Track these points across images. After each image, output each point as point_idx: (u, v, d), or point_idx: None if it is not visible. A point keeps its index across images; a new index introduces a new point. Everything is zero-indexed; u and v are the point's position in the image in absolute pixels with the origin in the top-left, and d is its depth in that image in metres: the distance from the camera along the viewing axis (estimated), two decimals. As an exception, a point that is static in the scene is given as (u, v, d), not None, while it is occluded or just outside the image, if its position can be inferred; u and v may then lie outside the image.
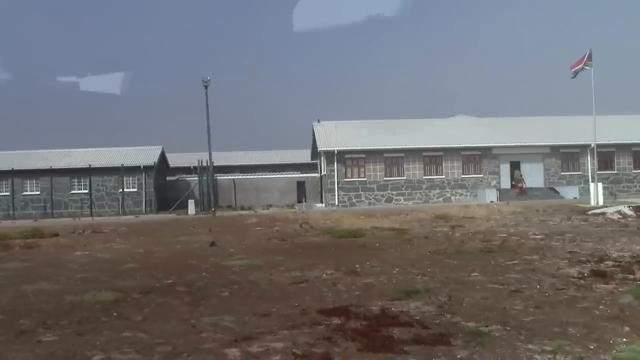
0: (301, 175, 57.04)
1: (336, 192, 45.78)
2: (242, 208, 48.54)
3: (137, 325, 8.06)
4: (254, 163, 66.07)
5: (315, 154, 53.16)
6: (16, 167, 49.28)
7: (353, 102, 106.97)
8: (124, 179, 49.53)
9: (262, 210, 45.22)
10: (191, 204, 44.69)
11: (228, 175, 56.12)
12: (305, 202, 50.17)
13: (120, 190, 49.49)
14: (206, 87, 40.53)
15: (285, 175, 57.67)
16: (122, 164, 48.82)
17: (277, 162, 68.24)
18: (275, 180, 55.89)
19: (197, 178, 53.77)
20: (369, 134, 47.82)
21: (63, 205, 49.54)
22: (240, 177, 57.37)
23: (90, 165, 48.77)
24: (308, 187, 54.01)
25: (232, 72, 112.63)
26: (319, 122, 51.28)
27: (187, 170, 59.52)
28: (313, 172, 56.44)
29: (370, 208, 41.03)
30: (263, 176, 58.32)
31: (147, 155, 51.55)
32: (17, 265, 15.70)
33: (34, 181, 49.98)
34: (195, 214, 42.93)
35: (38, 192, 49.89)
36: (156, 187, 51.01)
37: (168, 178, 56.33)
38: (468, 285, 10.18)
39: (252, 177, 57.98)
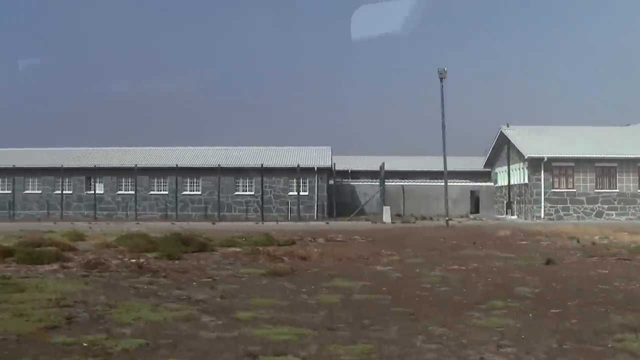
0: (475, 183, 51.10)
1: (542, 203, 40.22)
2: (414, 217, 41.11)
3: None
4: (417, 169, 58.29)
5: (491, 161, 49.68)
6: (179, 164, 44.35)
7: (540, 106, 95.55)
8: (295, 181, 43.37)
9: (444, 220, 38.61)
10: (387, 210, 37.75)
11: (397, 181, 48.99)
12: (479, 212, 46.15)
13: (293, 193, 43.45)
14: (442, 79, 33.23)
15: (458, 183, 51.05)
16: (299, 165, 42.62)
17: (437, 169, 60.28)
18: (448, 188, 48.96)
19: (362, 182, 49.30)
20: (574, 140, 42.04)
21: (226, 208, 43.96)
22: (410, 183, 50.24)
23: (262, 165, 42.84)
24: (482, 197, 49.01)
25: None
26: (508, 126, 45.66)
27: (344, 173, 53.02)
28: (486, 181, 51.04)
29: (581, 222, 34.56)
30: (434, 183, 51.48)
31: (320, 156, 45.28)
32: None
33: (195, 180, 44.88)
34: (392, 222, 36.04)
35: (199, 192, 44.68)
36: (328, 191, 44.47)
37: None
38: None
39: (423, 183, 51.05)
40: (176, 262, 15.08)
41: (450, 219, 40.08)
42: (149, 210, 44.66)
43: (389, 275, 13.37)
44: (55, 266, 13.91)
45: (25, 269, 13.30)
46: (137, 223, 35.72)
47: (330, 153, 46.65)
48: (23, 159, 46.02)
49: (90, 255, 16.44)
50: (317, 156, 45.48)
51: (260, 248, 18.23)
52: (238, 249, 18.54)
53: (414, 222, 37.20)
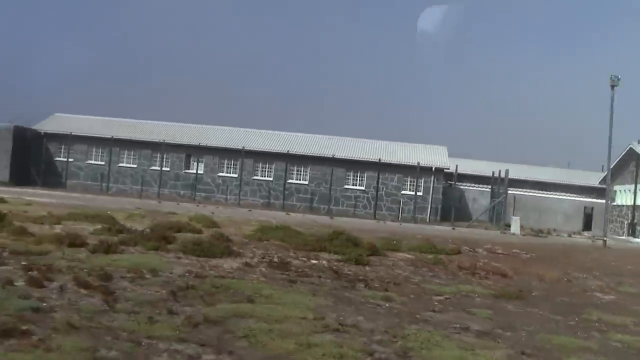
0: (590, 200, 47.05)
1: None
2: (541, 231, 37.21)
3: None
4: (527, 178, 54.20)
5: (611, 178, 42.60)
6: (289, 150, 42.41)
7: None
8: (411, 180, 40.63)
9: (567, 235, 35.54)
10: (516, 221, 34.48)
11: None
12: (590, 230, 42.59)
13: (406, 192, 40.82)
14: (613, 87, 29.51)
15: (572, 198, 47.09)
16: (419, 163, 39.83)
17: (547, 180, 56.06)
18: (560, 202, 45.44)
19: (472, 187, 46.94)
20: None
21: (333, 201, 41.71)
22: (523, 193, 46.59)
23: (380, 160, 40.31)
24: (595, 215, 44.51)
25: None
26: (639, 142, 42.28)
27: (450, 176, 49.56)
28: (600, 198, 45.59)
29: None
30: (549, 195, 47.78)
31: (436, 156, 42.32)
32: None
33: (303, 169, 42.87)
34: (521, 234, 32.71)
35: (306, 182, 42.65)
36: (443, 194, 41.48)
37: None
38: None
39: (536, 194, 47.41)
40: (366, 268, 12.76)
41: (570, 235, 36.94)
42: (250, 195, 43.05)
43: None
44: (235, 263, 11.87)
45: (199, 263, 11.30)
46: (250, 210, 34.00)
47: (446, 153, 43.65)
48: (120, 130, 45.19)
49: (254, 249, 14.42)
50: (433, 155, 42.61)
51: (430, 256, 15.86)
52: (408, 255, 16.20)
53: (545, 236, 33.68)
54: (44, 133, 44.96)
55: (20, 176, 43.23)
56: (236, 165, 43.37)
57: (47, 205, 22.89)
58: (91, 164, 44.72)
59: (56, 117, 48.12)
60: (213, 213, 26.34)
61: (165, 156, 43.88)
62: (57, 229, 14.60)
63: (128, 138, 44.33)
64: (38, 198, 27.85)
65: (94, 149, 44.90)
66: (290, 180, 42.88)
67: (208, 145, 43.74)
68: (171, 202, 35.07)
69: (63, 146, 45.20)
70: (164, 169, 44.00)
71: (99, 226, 15.48)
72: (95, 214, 18.46)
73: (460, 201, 44.39)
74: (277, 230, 18.52)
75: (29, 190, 37.08)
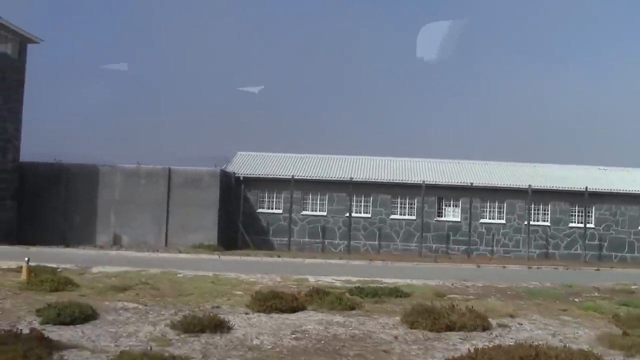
0: None
1: None
2: None
3: None
4: None
5: None
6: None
7: None
8: None
9: None
10: None
11: None
12: None
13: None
14: None
15: None
16: None
17: None
18: None
19: None
20: None
21: (622, 247, 34.01)
22: None
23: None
24: None
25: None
26: None
27: None
28: None
29: None
30: None
31: None
32: None
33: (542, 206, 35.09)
34: None
35: (546, 223, 34.92)
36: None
37: None
38: None
39: None
40: None
41: None
42: (521, 246, 34.69)
43: None
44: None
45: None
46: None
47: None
48: (335, 170, 36.09)
49: None
50: None
51: None
52: None
53: None
54: (243, 177, 34.96)
55: (225, 235, 33.05)
56: (501, 206, 34.98)
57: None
58: (307, 215, 34.97)
59: (241, 156, 38.06)
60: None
61: (415, 201, 34.97)
62: None
63: (362, 180, 35.01)
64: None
65: (310, 196, 35.24)
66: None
67: (463, 183, 35.07)
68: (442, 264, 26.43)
69: (266, 193, 35.32)
70: (409, 217, 34.95)
71: None
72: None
73: None
74: None
75: (249, 258, 27.65)
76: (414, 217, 34.87)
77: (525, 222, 34.46)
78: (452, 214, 35.10)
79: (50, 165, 33.50)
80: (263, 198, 35.25)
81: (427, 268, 26.13)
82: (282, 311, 13.89)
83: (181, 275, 19.91)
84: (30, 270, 17.47)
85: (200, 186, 32.60)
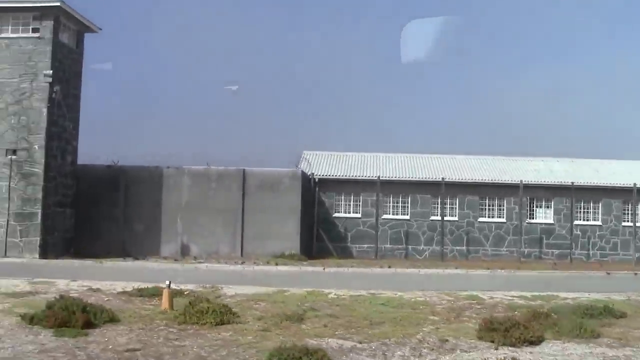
0: None
1: None
2: None
3: None
4: None
5: None
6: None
7: None
8: None
9: None
10: None
11: None
12: None
13: None
14: None
15: None
16: None
17: None
18: None
19: None
20: None
21: None
22: None
23: None
24: None
25: None
26: None
27: None
28: None
29: None
30: None
31: None
32: None
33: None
34: None
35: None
36: None
37: None
38: None
39: None
40: None
41: None
42: (612, 249, 32.14)
43: None
44: None
45: None
46: None
47: None
48: (418, 170, 33.25)
49: None
50: None
51: None
52: None
53: None
54: (318, 179, 31.88)
55: (304, 243, 30.00)
56: (598, 208, 32.38)
57: None
58: (389, 219, 31.98)
59: (309, 156, 34.91)
60: None
61: (504, 202, 32.21)
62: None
63: (451, 181, 32.10)
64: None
65: (391, 199, 32.27)
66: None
67: (558, 183, 32.36)
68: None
69: (343, 196, 32.32)
70: (498, 219, 32.17)
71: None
72: None
73: None
74: None
75: (357, 269, 24.88)
76: (503, 220, 32.11)
77: (624, 223, 31.92)
78: (544, 216, 32.40)
79: (107, 168, 30.08)
80: (339, 201, 32.24)
81: (581, 277, 23.64)
82: (531, 343, 11.40)
83: (333, 295, 16.82)
84: (171, 296, 14.30)
85: (279, 189, 29.45)
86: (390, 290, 17.82)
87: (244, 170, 29.60)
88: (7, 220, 25.92)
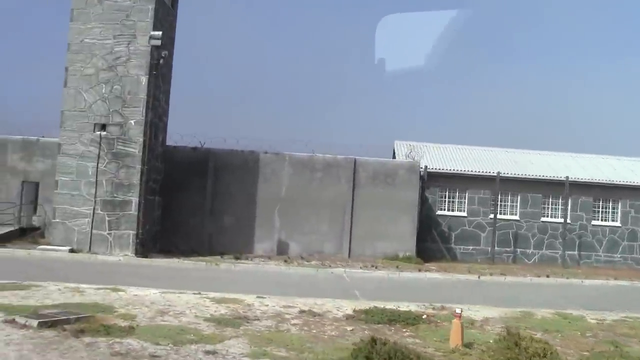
0: None
1: None
2: None
3: None
4: None
5: None
6: None
7: None
8: None
9: None
10: None
11: None
12: None
13: None
14: None
15: None
16: None
17: None
18: None
19: None
20: None
21: None
22: None
23: None
24: None
25: None
26: None
27: None
28: None
29: None
30: None
31: None
32: None
33: None
34: None
35: None
36: None
37: None
38: None
39: None
40: None
41: None
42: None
43: None
44: None
45: None
46: None
47: None
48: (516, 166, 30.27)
49: None
50: None
51: None
52: None
53: None
54: (426, 173, 28.51)
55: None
56: None
57: None
58: (497, 219, 28.94)
59: (403, 147, 31.41)
60: None
61: (619, 204, 29.60)
62: None
63: (575, 180, 29.19)
64: None
65: (499, 197, 29.21)
66: None
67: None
68: None
69: (447, 192, 29.12)
70: (612, 223, 29.57)
71: None
72: None
73: None
74: None
75: (503, 279, 21.97)
76: (618, 224, 29.54)
77: None
78: (660, 220, 29.98)
79: (193, 150, 25.97)
80: (442, 198, 29.00)
81: None
82: None
83: (553, 316, 13.63)
84: (462, 328, 10.81)
85: (394, 182, 25.98)
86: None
87: (355, 159, 25.99)
88: (94, 209, 21.66)
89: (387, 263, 24.52)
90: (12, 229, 23.91)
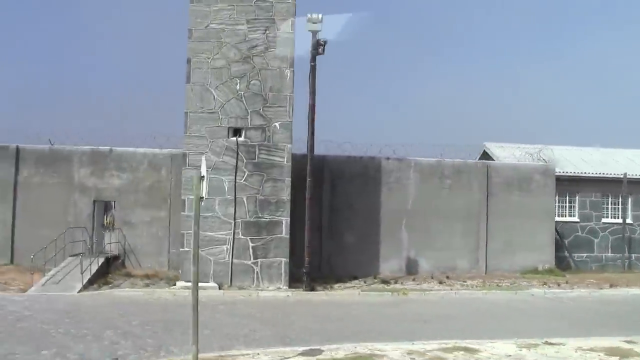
0: None
1: None
2: None
3: None
4: None
5: None
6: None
7: None
8: None
9: None
10: None
11: None
12: None
13: None
14: None
15: None
16: None
17: None
18: None
19: None
20: None
21: None
22: None
23: None
24: None
25: None
26: None
27: None
28: None
29: None
30: None
31: None
32: None
33: None
34: None
35: None
36: None
37: None
38: None
39: None
40: None
41: None
42: None
43: None
44: None
45: None
46: None
47: None
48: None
49: None
50: None
51: None
52: None
53: None
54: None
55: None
56: None
57: None
58: (610, 223, 27.07)
59: (488, 148, 28.87)
60: None
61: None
62: None
63: None
64: None
65: (610, 199, 27.39)
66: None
67: None
68: None
69: (557, 197, 26.92)
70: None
71: None
72: None
73: None
74: None
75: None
76: None
77: None
78: None
79: (304, 158, 22.15)
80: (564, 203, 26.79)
81: None
82: None
83: None
84: None
85: (529, 188, 23.41)
86: None
87: (487, 163, 23.19)
88: (234, 233, 17.55)
89: (530, 277, 21.99)
90: (101, 260, 19.26)
